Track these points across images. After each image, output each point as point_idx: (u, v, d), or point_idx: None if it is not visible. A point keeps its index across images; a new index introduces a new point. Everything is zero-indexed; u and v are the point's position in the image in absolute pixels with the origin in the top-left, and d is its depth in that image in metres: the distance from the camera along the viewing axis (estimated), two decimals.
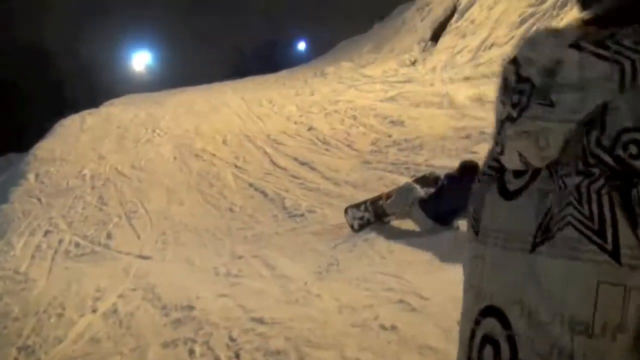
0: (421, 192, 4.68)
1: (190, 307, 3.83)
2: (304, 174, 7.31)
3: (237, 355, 3.07)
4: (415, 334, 2.89)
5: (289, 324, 3.37)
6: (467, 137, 6.78)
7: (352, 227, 4.84)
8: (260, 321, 3.48)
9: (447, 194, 4.34)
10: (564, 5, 9.15)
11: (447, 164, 6.14)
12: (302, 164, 7.74)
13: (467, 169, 4.31)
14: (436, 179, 5.40)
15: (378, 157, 7.24)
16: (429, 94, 9.32)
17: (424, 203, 4.51)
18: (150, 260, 5.25)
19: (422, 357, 2.64)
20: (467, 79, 9.32)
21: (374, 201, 5.03)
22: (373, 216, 4.95)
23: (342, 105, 10.46)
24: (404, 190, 4.76)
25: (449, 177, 4.46)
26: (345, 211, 4.94)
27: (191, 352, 3.19)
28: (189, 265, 4.92)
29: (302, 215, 5.76)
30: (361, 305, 3.43)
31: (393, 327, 3.02)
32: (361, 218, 4.92)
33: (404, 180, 6.06)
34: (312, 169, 7.44)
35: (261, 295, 3.93)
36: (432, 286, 3.50)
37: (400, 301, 3.36)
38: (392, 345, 2.80)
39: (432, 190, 4.73)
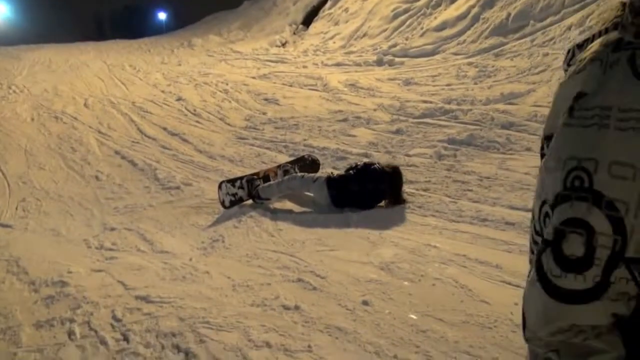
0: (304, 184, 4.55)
1: (63, 283, 3.34)
2: (175, 145, 6.91)
3: (126, 338, 2.71)
4: (321, 314, 2.78)
5: (180, 303, 3.08)
6: (344, 120, 6.83)
7: (222, 203, 4.62)
8: (146, 299, 3.15)
9: (357, 181, 4.26)
10: (437, 5, 9.63)
11: (326, 144, 6.16)
12: (173, 134, 7.32)
13: (396, 174, 4.27)
14: (314, 161, 5.36)
15: (254, 134, 7.05)
16: (302, 76, 9.27)
17: (331, 180, 4.41)
18: (11, 229, 4.54)
19: (332, 338, 2.53)
20: (339, 64, 9.41)
21: (251, 179, 4.84)
22: (246, 195, 4.78)
23: (213, 78, 10.06)
24: (286, 181, 4.59)
25: (370, 168, 4.34)
26: (220, 185, 4.69)
27: (71, 333, 2.76)
28: (56, 236, 4.33)
29: (178, 188, 5.41)
30: (257, 283, 3.26)
31: (297, 307, 2.89)
32: (234, 195, 4.72)
33: (283, 158, 5.98)
34: (184, 140, 7.06)
35: (142, 272, 3.60)
36: (327, 265, 3.44)
37: (299, 280, 3.24)
38: (299, 326, 2.66)
39: (311, 174, 4.67)
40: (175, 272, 3.57)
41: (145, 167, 6.12)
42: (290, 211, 4.57)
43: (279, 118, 7.52)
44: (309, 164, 5.40)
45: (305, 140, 6.54)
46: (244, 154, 6.38)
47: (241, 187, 4.79)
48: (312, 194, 4.45)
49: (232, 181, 4.79)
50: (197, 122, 7.86)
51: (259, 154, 6.32)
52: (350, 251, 3.63)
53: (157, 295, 3.19)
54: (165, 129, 7.57)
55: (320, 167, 5.44)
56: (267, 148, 6.50)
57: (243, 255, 3.77)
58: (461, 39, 8.50)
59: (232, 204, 4.71)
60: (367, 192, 4.23)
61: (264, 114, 7.84)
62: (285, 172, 5.04)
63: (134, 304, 3.11)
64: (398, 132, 6.16)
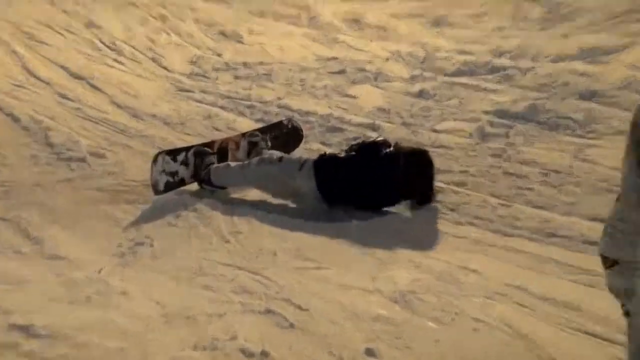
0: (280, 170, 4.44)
1: None
2: (81, 94, 6.80)
3: None
4: None
5: (80, 339, 3.03)
6: (341, 72, 6.77)
7: (154, 185, 4.58)
8: (28, 331, 3.10)
9: (361, 168, 4.18)
10: None
11: (312, 108, 6.10)
12: (78, 78, 7.20)
13: (422, 161, 4.23)
14: (295, 130, 5.28)
15: (202, 85, 6.95)
16: (279, 1, 9.15)
17: (322, 162, 4.32)
18: None
19: None
20: None
21: (201, 152, 4.78)
22: (190, 175, 4.72)
23: None
24: (254, 165, 4.50)
25: (380, 148, 4.23)
26: (155, 159, 4.64)
27: None
28: None
29: (83, 159, 5.36)
30: (203, 314, 3.20)
31: (264, 355, 2.84)
32: (173, 174, 4.67)
33: (246, 124, 5.90)
34: (95, 88, 6.95)
35: (22, 287, 3.55)
36: (310, 291, 3.40)
37: (268, 311, 3.19)
38: None
39: (294, 156, 4.64)
40: (74, 289, 3.48)
41: (31, 126, 6.01)
42: (255, 204, 4.50)
43: (241, 63, 7.37)
44: (287, 132, 5.31)
45: (280, 99, 6.44)
46: (187, 114, 6.27)
47: (185, 163, 4.72)
48: (297, 187, 4.33)
49: (173, 153, 4.72)
50: (117, 61, 7.69)
51: (209, 114, 6.23)
52: (348, 271, 3.58)
53: (44, 325, 3.11)
54: (65, 68, 7.40)
55: (305, 140, 5.38)
56: (223, 107, 6.39)
57: (182, 268, 3.69)
58: None
59: (169, 187, 4.63)
60: (375, 185, 4.16)
61: (219, 55, 7.69)
62: (252, 146, 4.97)
63: (10, 338, 3.03)
64: (421, 95, 6.12)
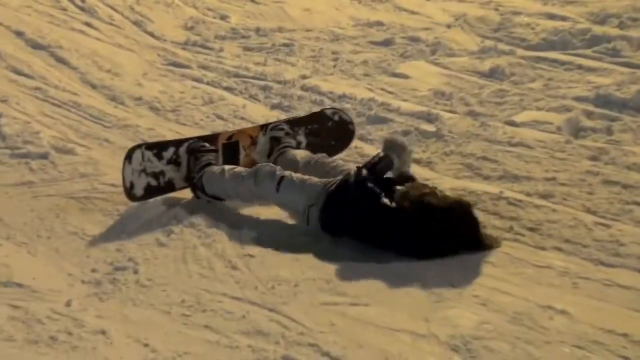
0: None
1: None
2: (42, 69, 6.97)
3: None
4: None
5: None
6: (387, 43, 6.83)
7: (129, 187, 4.63)
8: None
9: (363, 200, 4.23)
10: None
11: (348, 89, 6.18)
12: (38, 47, 7.36)
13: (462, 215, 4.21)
14: (343, 123, 5.21)
15: (202, 58, 7.05)
16: None
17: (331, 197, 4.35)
18: None
19: None
20: None
21: (196, 148, 4.83)
22: (182, 178, 4.82)
23: None
24: (256, 174, 4.55)
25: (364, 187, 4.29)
26: (130, 154, 4.68)
27: None
28: None
29: (45, 156, 5.44)
30: None
31: None
32: (157, 175, 4.72)
33: (259, 112, 6.01)
34: (61, 61, 7.12)
35: None
36: (343, 334, 3.45)
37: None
38: None
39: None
40: (34, 326, 3.56)
41: None
42: (270, 221, 4.57)
43: (253, 29, 7.49)
44: (331, 127, 5.29)
45: (304, 78, 6.54)
46: (181, 97, 6.39)
47: (175, 162, 4.81)
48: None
49: (157, 147, 4.80)
50: (89, 25, 7.85)
51: (211, 98, 6.35)
52: (392, 310, 3.64)
53: None
54: (20, 34, 7.58)
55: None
56: (228, 89, 6.50)
57: (175, 302, 3.77)
58: None
59: (150, 192, 4.71)
60: (391, 240, 4.20)
61: (224, 18, 7.82)
62: (275, 143, 4.99)
63: None
64: (494, 74, 6.17)
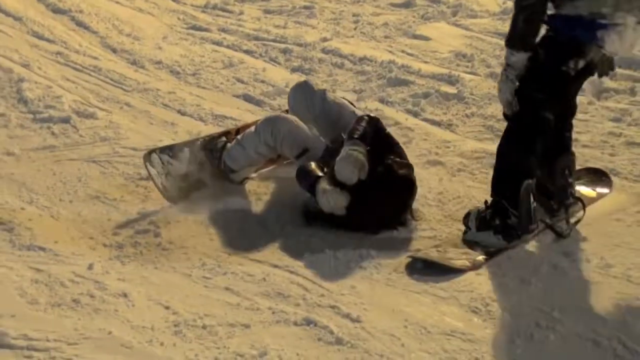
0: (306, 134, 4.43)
1: None
2: (62, 32, 6.97)
3: None
4: None
5: (67, 354, 3.12)
6: (407, 4, 6.80)
7: (163, 191, 4.49)
8: None
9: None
10: None
11: (369, 52, 6.18)
12: (58, 11, 7.40)
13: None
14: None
15: (221, 20, 7.08)
16: None
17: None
18: None
19: None
20: None
21: (210, 141, 4.72)
22: (209, 172, 4.65)
23: None
24: (265, 129, 4.49)
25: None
26: (148, 158, 4.56)
27: None
28: None
29: (66, 120, 5.44)
30: (224, 322, 3.31)
31: None
32: (184, 178, 4.57)
33: (280, 75, 6.00)
34: (81, 25, 7.13)
35: None
36: (364, 293, 3.49)
37: (308, 322, 3.29)
38: None
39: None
40: (57, 289, 3.60)
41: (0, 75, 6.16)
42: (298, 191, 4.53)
43: None
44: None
45: (325, 40, 6.53)
46: (201, 60, 6.39)
47: (197, 162, 4.68)
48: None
49: (171, 150, 4.68)
50: None
51: (231, 62, 6.35)
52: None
53: (20, 335, 3.21)
54: None
55: (358, 97, 5.44)
56: (248, 52, 6.50)
57: (196, 265, 3.82)
58: None
59: (182, 193, 4.58)
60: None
61: None
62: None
63: None
64: None
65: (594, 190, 4.28)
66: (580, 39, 3.68)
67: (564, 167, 4.07)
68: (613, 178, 4.40)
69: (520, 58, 3.75)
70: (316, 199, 4.12)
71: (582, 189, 4.25)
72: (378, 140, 4.25)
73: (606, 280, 3.57)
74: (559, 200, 4.04)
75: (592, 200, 4.20)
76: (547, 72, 3.77)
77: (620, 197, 4.27)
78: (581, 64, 3.71)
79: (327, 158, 4.28)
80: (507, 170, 3.89)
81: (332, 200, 4.06)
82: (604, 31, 3.61)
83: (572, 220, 4.01)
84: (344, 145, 4.15)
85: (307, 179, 4.18)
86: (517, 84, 3.80)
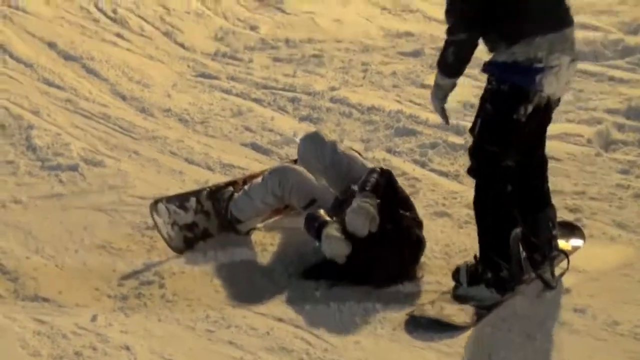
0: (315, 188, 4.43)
1: None
2: (72, 80, 7.01)
3: None
4: None
5: None
6: (417, 53, 6.83)
7: (169, 241, 4.49)
8: None
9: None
10: None
11: (377, 102, 6.19)
12: (69, 58, 7.43)
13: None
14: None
15: (231, 69, 7.10)
16: None
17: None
18: None
19: None
20: None
21: (217, 190, 4.71)
22: (215, 223, 4.68)
23: None
24: (272, 180, 4.47)
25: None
26: (154, 208, 4.56)
27: None
28: None
29: (74, 168, 5.46)
30: None
31: None
32: (191, 227, 4.60)
33: (288, 123, 6.02)
34: (91, 72, 7.18)
35: None
36: (368, 348, 3.47)
37: None
38: None
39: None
40: (59, 341, 3.59)
41: (8, 122, 6.18)
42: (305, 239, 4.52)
43: (282, 40, 7.51)
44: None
45: (334, 89, 6.54)
46: (210, 109, 6.41)
47: (203, 212, 4.67)
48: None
49: (178, 200, 4.67)
50: (120, 36, 7.90)
51: (239, 110, 6.36)
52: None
53: None
54: (52, 45, 7.64)
55: (366, 147, 5.44)
56: (257, 100, 6.52)
57: (200, 317, 3.80)
58: None
59: (190, 244, 4.59)
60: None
61: (254, 29, 7.85)
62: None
63: None
64: None
65: (568, 242, 4.25)
66: (521, 86, 3.69)
67: (547, 220, 4.06)
68: (621, 232, 4.38)
69: (449, 82, 3.88)
70: (320, 244, 4.11)
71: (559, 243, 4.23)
72: (389, 193, 4.24)
73: (613, 338, 3.52)
74: (543, 253, 4.01)
75: (570, 252, 4.17)
76: (497, 124, 3.77)
77: (628, 251, 4.24)
78: (529, 109, 3.71)
79: (337, 209, 4.28)
80: (492, 224, 3.88)
81: (336, 248, 4.05)
82: (541, 75, 3.65)
83: (557, 272, 3.99)
84: (355, 197, 4.14)
85: (314, 224, 4.16)
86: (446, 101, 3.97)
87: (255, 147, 5.75)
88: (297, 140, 5.11)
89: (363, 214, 4.05)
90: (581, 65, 6.19)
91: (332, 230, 4.08)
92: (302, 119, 6.13)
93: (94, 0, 8.60)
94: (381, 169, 4.35)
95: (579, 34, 6.57)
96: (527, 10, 3.64)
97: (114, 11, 8.35)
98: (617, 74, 6.08)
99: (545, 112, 3.86)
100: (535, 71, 3.64)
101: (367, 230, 4.05)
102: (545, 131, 4.08)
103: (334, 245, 4.06)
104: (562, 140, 5.41)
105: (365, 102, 6.23)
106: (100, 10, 8.43)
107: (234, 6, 8.32)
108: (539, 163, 4.11)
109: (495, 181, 3.85)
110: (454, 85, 3.91)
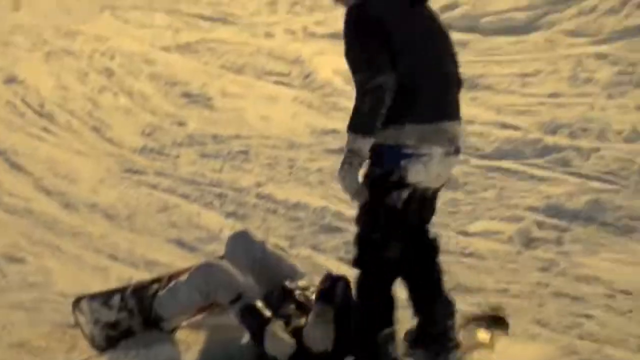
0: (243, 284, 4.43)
1: None
2: None
3: None
4: None
5: None
6: (342, 151, 6.86)
7: (91, 340, 4.45)
8: None
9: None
10: None
11: (303, 198, 6.22)
12: None
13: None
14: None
15: (158, 164, 7.11)
16: (264, 53, 9.37)
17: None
18: None
19: None
20: (337, 37, 9.50)
21: (142, 288, 4.67)
22: (141, 324, 4.61)
23: (85, 43, 10.13)
24: (198, 276, 4.45)
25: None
26: (76, 305, 4.53)
27: None
28: None
29: None
30: None
31: None
32: (113, 326, 4.55)
33: (214, 220, 6.04)
34: (15, 166, 7.17)
35: None
36: None
37: None
38: None
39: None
40: None
41: None
42: None
43: (210, 135, 7.55)
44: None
45: (260, 185, 6.57)
46: (137, 205, 6.40)
47: (127, 309, 4.58)
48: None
49: (102, 297, 4.60)
50: (46, 129, 7.89)
51: (165, 205, 6.36)
52: None
53: None
54: None
55: (290, 244, 5.46)
56: (184, 196, 6.53)
57: None
58: (587, 4, 8.66)
59: (111, 343, 4.50)
60: None
61: (182, 124, 7.88)
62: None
63: None
64: (447, 183, 6.15)
65: (490, 334, 4.27)
66: (389, 171, 3.68)
67: (443, 311, 4.03)
68: (541, 330, 4.41)
69: (365, 143, 3.60)
70: (261, 340, 4.06)
71: (479, 334, 4.24)
72: (345, 304, 4.19)
73: None
74: (440, 344, 4.00)
75: (489, 345, 4.18)
76: (375, 210, 3.75)
77: (548, 349, 4.25)
78: (403, 195, 3.71)
79: (272, 305, 4.25)
80: (366, 320, 3.87)
81: (281, 347, 4.01)
82: (407, 161, 3.66)
83: None
84: (314, 307, 4.09)
85: (255, 319, 4.12)
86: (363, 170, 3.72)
87: (180, 243, 5.75)
88: (223, 237, 5.11)
89: (325, 331, 4.00)
90: (503, 164, 6.38)
91: (277, 329, 4.04)
92: (229, 215, 6.13)
93: (20, 95, 8.59)
94: (338, 277, 4.22)
95: (500, 133, 6.81)
96: (402, 98, 3.62)
97: (41, 105, 8.34)
98: (537, 172, 6.17)
99: (422, 201, 3.84)
100: (401, 156, 3.64)
101: (329, 347, 4.00)
102: (425, 221, 4.04)
103: (279, 344, 4.02)
104: (484, 237, 5.46)
105: (291, 198, 6.25)
106: (26, 103, 8.41)
107: (162, 101, 8.34)
108: (424, 254, 4.06)
109: (378, 273, 3.84)
110: (368, 148, 3.64)
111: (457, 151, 3.83)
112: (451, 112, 3.83)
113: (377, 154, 3.70)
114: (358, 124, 3.62)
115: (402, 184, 3.69)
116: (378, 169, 3.71)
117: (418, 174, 3.69)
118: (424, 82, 3.72)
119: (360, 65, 3.68)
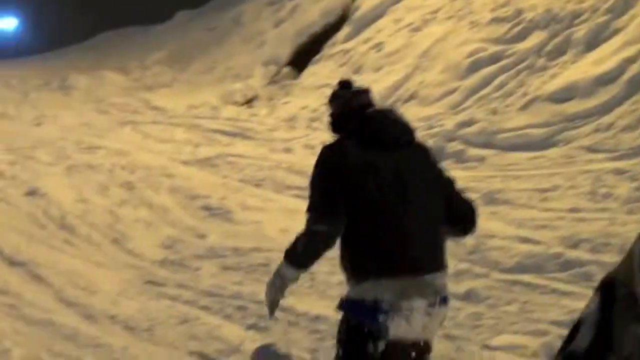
0: None
1: None
2: (16, 286, 7.00)
3: None
4: None
5: None
6: None
7: None
8: None
9: None
10: (558, 52, 9.89)
11: (322, 311, 6.19)
12: (14, 264, 7.41)
13: None
14: None
15: (179, 276, 7.10)
16: (282, 168, 9.47)
17: None
18: None
19: None
20: None
21: None
22: None
23: (105, 157, 10.28)
24: None
25: None
26: None
27: None
28: None
29: None
30: None
31: None
32: None
33: (235, 332, 6.00)
34: (37, 278, 7.16)
35: None
36: None
37: None
38: None
39: None
40: None
41: None
42: None
43: (230, 248, 7.56)
44: None
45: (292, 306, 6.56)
46: (157, 317, 6.35)
47: None
48: None
49: None
50: (68, 242, 7.93)
51: (186, 318, 6.32)
52: None
53: None
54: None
55: (312, 357, 5.42)
56: (204, 308, 6.50)
57: None
58: (604, 120, 8.80)
59: None
60: None
61: (202, 237, 7.91)
62: None
63: None
64: (469, 297, 6.20)
65: None
66: (365, 324, 3.69)
67: None
68: None
69: (293, 273, 3.83)
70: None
71: None
72: None
73: None
74: None
75: None
76: (352, 358, 3.77)
77: None
78: (380, 346, 3.68)
79: None
80: None
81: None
82: (386, 316, 3.65)
83: None
84: None
85: None
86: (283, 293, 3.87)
87: (201, 356, 5.72)
88: (244, 350, 5.10)
89: None
90: (524, 278, 6.37)
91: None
92: (249, 327, 6.10)
93: (42, 207, 8.67)
94: None
95: (521, 247, 6.82)
96: (376, 251, 3.68)
97: (62, 218, 8.41)
98: (559, 286, 6.16)
99: (403, 352, 3.76)
100: (380, 311, 3.63)
101: None
102: None
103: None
104: (509, 351, 5.43)
105: (312, 311, 6.24)
106: (47, 216, 8.49)
107: (182, 214, 8.40)
108: None
109: None
110: (296, 280, 3.89)
111: (443, 301, 3.81)
112: (434, 264, 3.79)
113: (353, 308, 3.77)
114: (292, 256, 3.85)
115: (374, 336, 3.67)
116: (354, 322, 3.74)
117: (399, 328, 3.68)
118: (398, 236, 3.73)
119: (310, 205, 3.81)
